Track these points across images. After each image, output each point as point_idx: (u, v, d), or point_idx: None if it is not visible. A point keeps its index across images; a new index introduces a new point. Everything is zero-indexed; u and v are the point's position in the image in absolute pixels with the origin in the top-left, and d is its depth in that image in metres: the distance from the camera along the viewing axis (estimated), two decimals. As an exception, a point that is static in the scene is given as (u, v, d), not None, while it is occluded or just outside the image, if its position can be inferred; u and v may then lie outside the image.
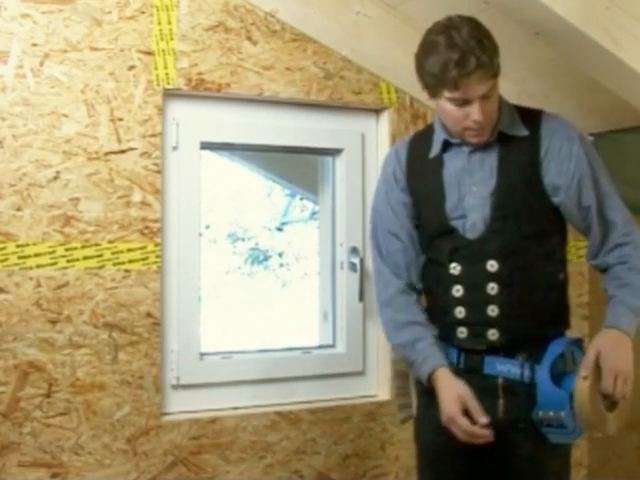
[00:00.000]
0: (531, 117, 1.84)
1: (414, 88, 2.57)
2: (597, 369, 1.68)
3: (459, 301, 1.86)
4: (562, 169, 1.79)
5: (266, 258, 9.82)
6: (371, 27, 2.43)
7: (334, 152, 2.63)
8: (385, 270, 1.99)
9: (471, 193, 1.86)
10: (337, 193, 2.63)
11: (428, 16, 2.12)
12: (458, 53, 1.69)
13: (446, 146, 1.90)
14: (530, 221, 1.81)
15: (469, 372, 1.85)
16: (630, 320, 1.74)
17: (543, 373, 1.74)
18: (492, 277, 1.82)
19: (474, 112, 1.75)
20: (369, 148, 2.64)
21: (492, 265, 1.82)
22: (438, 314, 1.90)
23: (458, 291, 1.87)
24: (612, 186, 1.85)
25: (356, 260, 2.56)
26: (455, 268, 1.87)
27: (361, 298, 2.57)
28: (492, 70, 1.73)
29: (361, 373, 2.62)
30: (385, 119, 2.62)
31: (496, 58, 1.75)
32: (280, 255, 9.77)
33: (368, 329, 2.62)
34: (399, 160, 1.99)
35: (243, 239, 9.83)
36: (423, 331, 1.88)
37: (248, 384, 2.45)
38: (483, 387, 1.81)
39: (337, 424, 2.51)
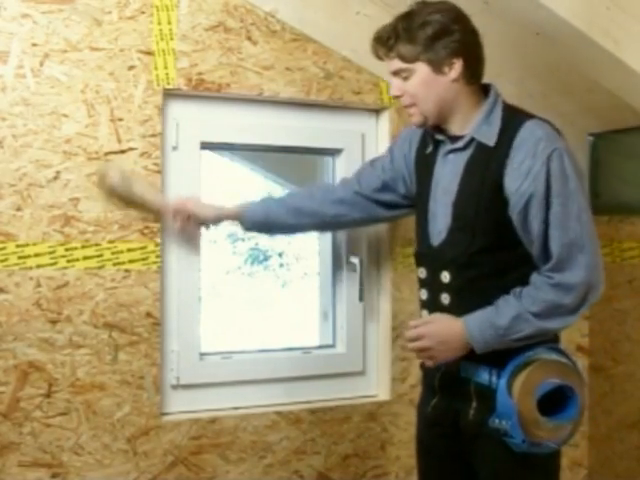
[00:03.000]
0: (512, 125, 1.76)
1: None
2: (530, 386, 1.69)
3: (424, 304, 1.91)
4: (514, 185, 1.71)
5: (266, 258, 9.82)
6: (371, 27, 2.41)
7: (334, 152, 2.63)
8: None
9: (442, 198, 1.86)
10: (337, 193, 2.63)
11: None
12: (383, 27, 1.82)
13: (436, 143, 1.89)
14: (484, 234, 1.76)
15: (447, 373, 1.87)
16: (481, 328, 1.72)
17: (501, 381, 1.72)
18: (445, 287, 1.83)
19: (391, 86, 1.86)
20: (369, 148, 2.63)
21: (445, 276, 1.82)
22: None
23: (424, 294, 1.90)
24: (571, 213, 1.70)
25: (356, 260, 2.56)
26: (422, 272, 1.91)
27: (361, 298, 2.57)
28: (395, 51, 1.79)
29: (361, 373, 2.62)
30: (385, 119, 2.62)
31: (409, 44, 1.76)
32: (280, 255, 9.76)
33: (368, 329, 2.62)
34: (410, 148, 2.02)
35: (243, 239, 9.81)
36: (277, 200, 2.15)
37: (248, 384, 2.45)
38: (459, 390, 1.83)
39: (337, 424, 2.51)
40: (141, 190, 2.21)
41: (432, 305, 1.86)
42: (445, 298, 1.83)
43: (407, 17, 1.80)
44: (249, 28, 2.40)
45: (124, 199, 2.21)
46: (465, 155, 1.82)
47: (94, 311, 2.22)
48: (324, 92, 2.51)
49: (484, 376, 1.78)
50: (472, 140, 1.80)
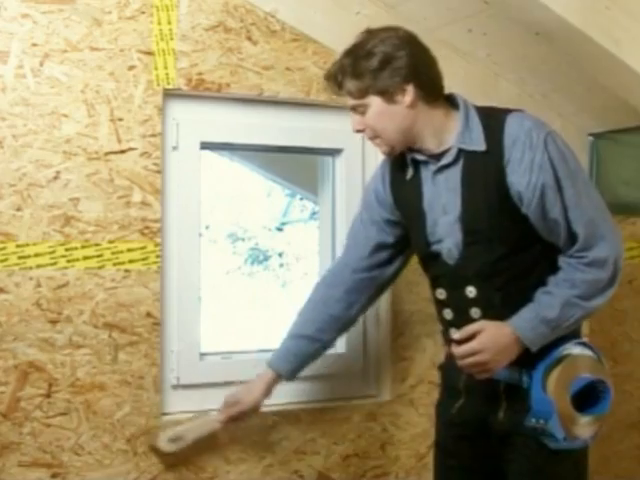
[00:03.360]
0: (494, 125, 1.74)
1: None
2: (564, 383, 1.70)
3: (451, 323, 1.88)
4: (523, 182, 1.70)
5: (266, 258, 9.82)
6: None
7: (334, 152, 2.63)
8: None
9: (442, 217, 1.83)
10: (337, 193, 2.63)
11: (428, 16, 2.13)
12: (332, 64, 1.87)
13: (416, 165, 1.86)
14: (502, 241, 1.75)
15: (466, 377, 1.86)
16: (532, 326, 1.71)
17: (535, 379, 1.72)
18: (473, 302, 1.81)
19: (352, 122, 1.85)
20: (369, 148, 2.63)
21: (470, 291, 1.80)
22: (443, 331, 1.94)
23: (448, 314, 1.88)
24: (581, 191, 1.72)
25: (356, 260, 2.55)
26: (441, 294, 1.89)
27: (361, 298, 2.57)
28: (345, 88, 1.79)
29: (361, 373, 2.62)
30: (385, 119, 2.61)
31: (356, 80, 1.75)
32: (280, 255, 9.77)
33: (368, 329, 2.62)
34: (384, 182, 1.99)
35: (243, 239, 9.83)
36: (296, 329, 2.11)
37: (248, 384, 2.45)
38: (487, 391, 1.82)
39: (337, 424, 2.51)
40: (194, 434, 2.22)
41: (461, 322, 1.81)
42: (475, 312, 1.80)
43: (351, 52, 1.80)
44: (249, 28, 2.40)
45: (184, 454, 2.22)
46: (457, 169, 1.79)
47: (94, 311, 2.22)
48: (324, 92, 2.51)
49: (514, 376, 1.77)
50: (460, 152, 1.78)
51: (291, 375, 2.18)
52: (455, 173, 1.79)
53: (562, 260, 1.74)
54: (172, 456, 2.22)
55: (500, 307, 1.77)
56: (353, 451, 2.53)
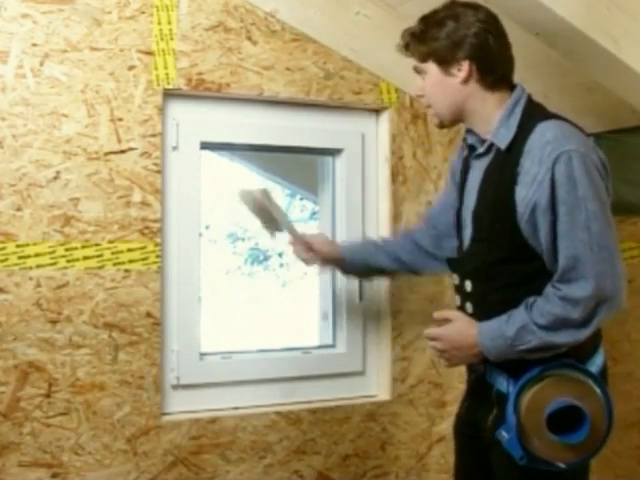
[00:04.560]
0: (526, 127, 1.70)
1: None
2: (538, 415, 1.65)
3: (459, 308, 1.88)
4: (522, 194, 1.65)
5: (266, 258, 9.83)
6: (371, 27, 2.43)
7: (334, 152, 2.63)
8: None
9: (467, 205, 1.84)
10: (337, 193, 2.63)
11: (427, 12, 2.11)
12: (409, 27, 1.86)
13: (471, 149, 1.87)
14: (500, 246, 1.72)
15: (477, 377, 1.86)
16: (492, 337, 1.68)
17: (511, 393, 1.68)
18: (468, 296, 1.82)
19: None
20: (369, 148, 2.64)
21: (468, 285, 1.81)
22: None
23: (457, 301, 1.88)
24: (578, 222, 1.60)
25: (356, 260, 2.56)
26: (455, 279, 1.88)
27: (361, 298, 2.57)
28: (410, 49, 1.83)
29: (361, 373, 2.62)
30: (385, 119, 2.62)
31: (421, 43, 1.79)
32: (280, 255, 9.77)
33: (368, 329, 2.62)
34: (459, 155, 2.00)
35: (243, 239, 9.83)
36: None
37: (248, 384, 2.45)
38: (484, 395, 1.82)
39: (337, 424, 2.51)
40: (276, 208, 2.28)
41: (462, 311, 1.84)
42: (469, 307, 1.81)
43: (426, 17, 1.81)
44: (249, 28, 2.40)
45: (266, 215, 2.27)
46: (486, 161, 1.78)
47: (94, 311, 2.22)
48: (324, 92, 2.51)
49: (503, 384, 1.74)
50: (492, 145, 1.77)
51: (349, 260, 2.22)
52: (483, 165, 1.79)
53: (548, 285, 1.66)
54: (258, 202, 2.22)
55: (488, 309, 1.75)
56: (353, 451, 2.53)
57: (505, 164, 1.71)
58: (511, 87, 1.81)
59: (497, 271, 1.74)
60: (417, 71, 1.85)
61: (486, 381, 1.80)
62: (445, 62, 1.77)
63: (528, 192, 1.64)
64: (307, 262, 2.27)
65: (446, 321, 1.79)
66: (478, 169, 1.81)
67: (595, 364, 1.74)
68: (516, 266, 1.71)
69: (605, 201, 1.64)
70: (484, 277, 1.77)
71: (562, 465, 1.67)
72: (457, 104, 1.80)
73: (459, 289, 1.86)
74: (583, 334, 1.63)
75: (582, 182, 1.60)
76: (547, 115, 1.72)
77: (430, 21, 1.80)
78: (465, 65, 1.75)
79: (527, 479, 1.70)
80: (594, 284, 1.59)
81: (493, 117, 1.77)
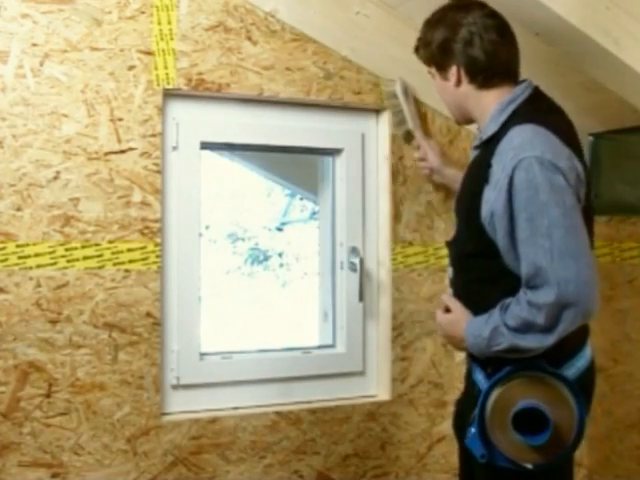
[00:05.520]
0: (505, 129, 1.70)
1: (414, 88, 2.58)
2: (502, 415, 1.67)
3: None
4: (486, 196, 1.67)
5: (266, 258, 9.83)
6: (371, 27, 2.43)
7: (334, 152, 2.63)
8: None
9: (458, 197, 1.91)
10: (337, 193, 2.63)
11: (428, 16, 2.12)
12: None
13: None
14: (471, 240, 1.74)
15: (467, 373, 1.88)
16: (474, 334, 1.70)
17: (482, 391, 1.69)
18: (451, 282, 1.89)
19: None
20: (369, 148, 2.64)
21: (450, 271, 1.88)
22: None
23: (450, 290, 1.92)
24: (539, 228, 1.58)
25: (356, 260, 2.56)
26: (450, 271, 1.91)
27: (361, 298, 2.57)
28: (418, 53, 1.91)
29: (361, 373, 2.62)
30: (385, 119, 2.62)
31: (423, 49, 1.87)
32: (280, 255, 9.77)
33: (368, 329, 2.62)
34: None
35: (243, 239, 9.83)
36: None
37: (248, 384, 2.45)
38: (470, 391, 1.83)
39: (337, 424, 2.51)
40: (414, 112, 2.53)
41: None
42: (449, 292, 1.88)
43: (427, 20, 1.88)
44: (249, 28, 2.40)
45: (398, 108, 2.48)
46: (476, 153, 1.85)
47: (94, 311, 2.22)
48: (324, 92, 2.51)
49: (482, 381, 1.76)
50: (482, 141, 1.81)
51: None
52: (474, 157, 1.86)
53: (521, 290, 1.65)
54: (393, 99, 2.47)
55: (464, 300, 1.79)
56: (353, 451, 2.53)
57: (483, 160, 1.74)
58: (515, 81, 1.82)
59: (471, 264, 1.77)
60: (430, 73, 1.93)
61: (472, 378, 1.82)
62: (441, 67, 1.85)
63: (490, 196, 1.66)
64: (421, 169, 2.52)
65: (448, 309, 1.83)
66: (472, 161, 1.89)
67: (575, 367, 1.73)
68: (485, 261, 1.73)
69: (571, 207, 1.60)
70: (460, 267, 1.83)
71: (529, 466, 1.67)
72: (458, 105, 1.86)
73: (449, 273, 1.93)
74: (548, 340, 1.61)
75: (543, 188, 1.58)
76: (530, 118, 1.69)
77: (427, 25, 1.87)
78: (453, 70, 1.81)
79: (496, 477, 1.72)
80: (556, 290, 1.56)
81: (490, 113, 1.80)
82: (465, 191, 1.83)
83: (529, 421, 1.63)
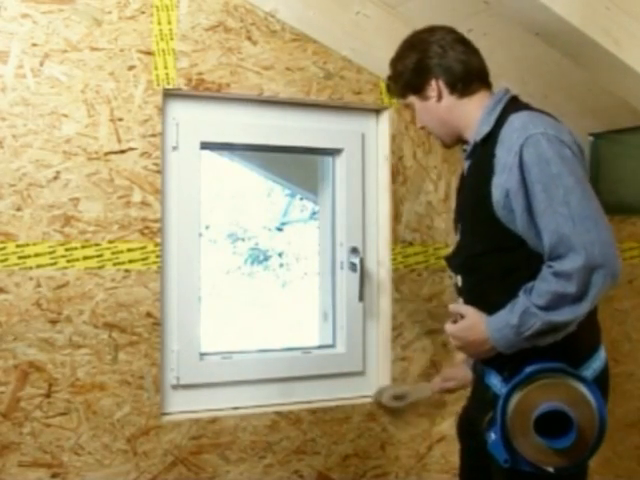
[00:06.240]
0: (501, 121, 1.74)
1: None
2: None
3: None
4: (496, 182, 1.68)
5: (266, 258, 9.83)
6: (371, 27, 2.43)
7: (334, 152, 2.63)
8: None
9: (461, 204, 1.91)
10: (337, 193, 2.63)
11: (428, 16, 2.13)
12: None
13: (465, 154, 1.92)
14: (484, 237, 1.74)
15: (477, 377, 1.87)
16: (499, 327, 1.68)
17: (502, 395, 1.67)
18: (460, 291, 1.86)
19: None
20: (369, 148, 2.64)
21: (459, 280, 1.85)
22: None
23: (459, 300, 1.90)
24: (557, 198, 1.61)
25: (356, 260, 2.56)
26: (453, 276, 1.91)
27: (361, 298, 2.57)
28: (393, 93, 1.98)
29: (361, 373, 2.62)
30: (385, 119, 2.62)
31: (398, 81, 1.91)
32: (280, 255, 9.77)
33: (368, 329, 2.62)
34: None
35: (243, 239, 9.83)
36: None
37: (248, 384, 2.45)
38: (482, 395, 1.82)
39: (337, 424, 2.51)
40: (413, 396, 2.58)
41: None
42: (461, 302, 1.84)
43: (393, 58, 1.93)
44: (249, 28, 2.40)
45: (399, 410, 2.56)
46: (471, 160, 1.85)
47: (94, 311, 2.22)
48: (324, 92, 2.51)
49: (497, 385, 1.75)
50: (476, 143, 1.81)
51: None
52: (470, 163, 1.86)
53: (543, 267, 1.66)
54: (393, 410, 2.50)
55: (477, 302, 1.77)
56: (353, 451, 2.53)
57: (484, 157, 1.75)
58: (490, 87, 1.87)
59: (481, 263, 1.76)
60: (408, 108, 1.97)
61: (484, 382, 1.80)
62: (418, 89, 1.86)
63: (500, 179, 1.67)
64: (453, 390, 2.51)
65: (461, 316, 1.80)
66: (467, 168, 1.88)
67: (591, 368, 1.73)
68: (501, 255, 1.73)
69: (581, 176, 1.64)
70: (470, 269, 1.81)
71: (550, 470, 1.66)
72: (444, 121, 1.87)
73: (456, 285, 1.89)
74: (583, 308, 1.61)
75: (554, 160, 1.62)
76: (522, 107, 1.77)
77: (395, 61, 1.92)
78: (433, 84, 1.84)
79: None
80: (583, 254, 1.58)
81: (476, 119, 1.82)
82: (468, 193, 1.83)
83: (549, 424, 1.62)
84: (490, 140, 1.74)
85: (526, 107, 1.78)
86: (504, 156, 1.67)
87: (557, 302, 1.61)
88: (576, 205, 1.60)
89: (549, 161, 1.62)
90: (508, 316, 1.66)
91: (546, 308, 1.61)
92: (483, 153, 1.76)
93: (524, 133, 1.66)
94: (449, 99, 1.83)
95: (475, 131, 1.81)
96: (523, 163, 1.64)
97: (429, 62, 1.83)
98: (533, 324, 1.62)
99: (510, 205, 1.66)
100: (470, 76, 1.83)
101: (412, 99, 1.89)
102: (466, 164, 1.89)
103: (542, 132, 1.65)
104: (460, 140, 1.90)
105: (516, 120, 1.70)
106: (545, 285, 1.62)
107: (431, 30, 1.88)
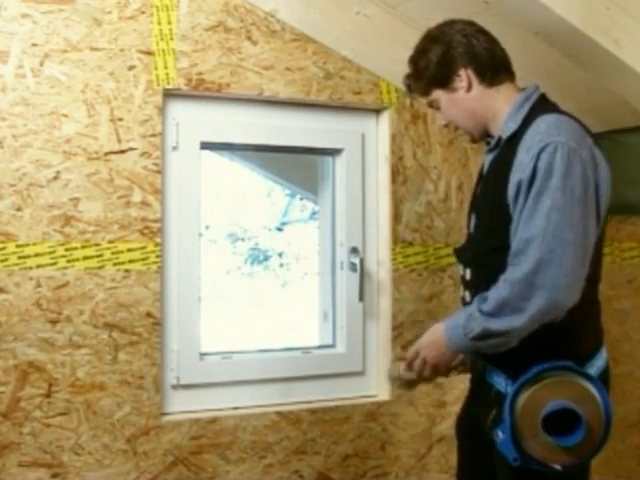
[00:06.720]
0: (529, 120, 1.73)
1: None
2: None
3: (463, 302, 1.88)
4: (513, 179, 1.67)
5: (266, 258, 9.83)
6: (371, 27, 2.43)
7: (334, 152, 2.63)
8: None
9: (476, 198, 1.89)
10: (337, 193, 2.63)
11: (428, 16, 2.13)
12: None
13: (488, 146, 1.90)
14: (497, 233, 1.72)
15: (476, 377, 1.86)
16: (453, 326, 1.69)
17: (509, 394, 1.67)
18: (467, 285, 1.84)
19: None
20: (369, 148, 2.64)
21: (467, 274, 1.84)
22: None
23: (460, 290, 1.89)
24: (544, 211, 1.59)
25: (356, 260, 2.56)
26: (460, 268, 1.90)
27: (361, 298, 2.57)
28: (415, 91, 1.89)
29: (361, 373, 2.62)
30: (385, 119, 2.62)
31: (418, 81, 1.86)
32: (280, 255, 9.77)
33: (368, 329, 2.62)
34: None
35: (243, 239, 9.83)
36: None
37: (248, 384, 2.45)
38: (484, 395, 1.82)
39: (337, 424, 2.51)
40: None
41: (463, 303, 1.86)
42: (467, 295, 1.83)
43: (412, 55, 1.88)
44: (249, 28, 2.40)
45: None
46: (494, 153, 1.83)
47: (94, 311, 2.22)
48: (324, 92, 2.51)
49: (502, 384, 1.74)
50: (500, 138, 1.80)
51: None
52: (492, 157, 1.84)
53: None
54: (410, 383, 2.23)
55: None
56: (353, 451, 2.53)
57: (507, 154, 1.74)
58: (514, 78, 1.85)
59: (493, 259, 1.74)
60: (431, 106, 1.90)
61: (486, 381, 1.80)
62: (445, 82, 1.82)
63: (515, 177, 1.66)
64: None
65: (416, 355, 1.79)
66: (488, 163, 1.86)
67: (595, 366, 1.73)
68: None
69: (579, 198, 1.60)
70: (481, 264, 1.79)
71: (558, 467, 1.66)
72: (473, 112, 1.83)
73: (462, 278, 1.88)
74: (519, 321, 1.59)
75: (559, 173, 1.60)
76: (552, 109, 1.74)
77: (416, 57, 1.86)
78: (462, 74, 1.80)
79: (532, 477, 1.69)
80: (532, 267, 1.56)
81: (503, 113, 1.80)
82: (486, 188, 1.82)
83: (556, 422, 1.62)
84: (515, 139, 1.73)
85: (554, 108, 1.76)
86: (523, 156, 1.66)
87: (499, 309, 1.61)
88: (554, 222, 1.58)
89: (554, 172, 1.60)
90: (459, 316, 1.69)
91: (488, 314, 1.62)
92: (507, 151, 1.75)
93: (546, 138, 1.63)
94: (478, 89, 1.80)
95: (501, 126, 1.79)
96: (536, 168, 1.62)
97: (454, 52, 1.79)
98: (473, 329, 1.65)
99: (517, 200, 1.66)
100: (497, 65, 1.81)
101: (437, 94, 1.84)
102: (487, 158, 1.87)
103: (563, 142, 1.62)
104: (488, 134, 1.87)
105: (542, 123, 1.67)
106: (494, 291, 1.63)
107: (450, 22, 1.85)
